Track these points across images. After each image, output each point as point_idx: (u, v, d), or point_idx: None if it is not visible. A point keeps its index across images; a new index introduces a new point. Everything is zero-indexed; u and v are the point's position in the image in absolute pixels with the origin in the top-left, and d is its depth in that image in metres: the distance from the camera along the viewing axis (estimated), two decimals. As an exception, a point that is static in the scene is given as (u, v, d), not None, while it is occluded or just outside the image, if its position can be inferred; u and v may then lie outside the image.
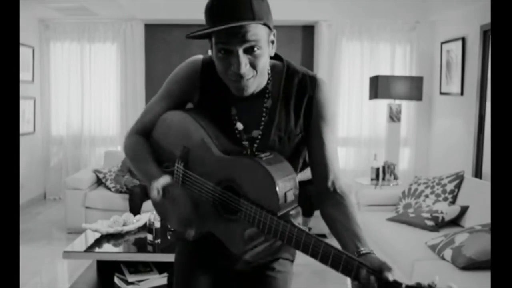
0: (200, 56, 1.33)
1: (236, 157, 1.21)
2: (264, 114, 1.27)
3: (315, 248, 1.06)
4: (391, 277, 1.07)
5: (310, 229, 4.18)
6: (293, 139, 1.28)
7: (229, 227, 1.21)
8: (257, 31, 1.14)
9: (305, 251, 1.08)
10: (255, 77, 1.19)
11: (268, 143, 1.26)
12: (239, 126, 1.28)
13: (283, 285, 1.38)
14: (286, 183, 1.15)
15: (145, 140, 1.37)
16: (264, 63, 1.20)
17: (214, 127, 1.27)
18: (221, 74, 1.20)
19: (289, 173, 1.19)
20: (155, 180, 1.21)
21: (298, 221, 1.16)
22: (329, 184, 1.29)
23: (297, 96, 1.27)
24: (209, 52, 1.25)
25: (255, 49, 1.15)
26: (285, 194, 1.14)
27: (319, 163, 1.29)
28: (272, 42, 1.23)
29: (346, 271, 1.07)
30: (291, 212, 1.16)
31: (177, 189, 1.23)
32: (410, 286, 1.05)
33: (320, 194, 1.31)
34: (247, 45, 1.14)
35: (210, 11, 1.15)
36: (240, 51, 1.14)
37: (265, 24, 1.17)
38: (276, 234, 1.10)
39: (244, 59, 1.15)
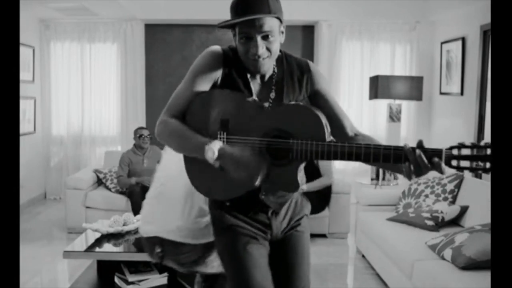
0: (218, 47, 1.60)
1: (278, 108, 1.51)
2: (274, 86, 1.58)
3: (367, 154, 1.39)
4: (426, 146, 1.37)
5: None
6: (302, 99, 1.62)
7: (282, 171, 1.46)
8: (271, 23, 1.46)
9: (358, 159, 1.41)
10: (270, 58, 1.51)
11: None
12: (255, 98, 1.56)
13: (307, 236, 1.72)
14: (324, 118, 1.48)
15: (182, 121, 1.57)
16: (277, 48, 1.52)
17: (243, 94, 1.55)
18: (243, 56, 1.51)
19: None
20: (208, 143, 1.44)
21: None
22: (349, 131, 1.64)
23: (298, 72, 1.61)
24: (233, 43, 1.55)
25: (269, 36, 1.47)
26: (325, 125, 1.47)
27: (333, 118, 1.60)
28: (282, 32, 1.55)
29: (396, 159, 1.38)
30: (332, 139, 1.50)
31: (230, 147, 1.46)
32: (450, 148, 1.34)
33: (348, 142, 1.55)
34: (264, 33, 1.46)
35: (235, 7, 1.47)
36: (259, 38, 1.46)
37: (278, 18, 1.48)
38: (330, 154, 1.42)
39: (261, 43, 1.46)
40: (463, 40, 4.85)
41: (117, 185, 4.63)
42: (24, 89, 5.37)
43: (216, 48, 1.59)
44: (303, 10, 5.48)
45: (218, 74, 1.57)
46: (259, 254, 1.58)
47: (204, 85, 1.56)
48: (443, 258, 2.70)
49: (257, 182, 1.43)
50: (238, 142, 1.50)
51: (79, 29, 5.83)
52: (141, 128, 4.75)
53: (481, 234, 2.64)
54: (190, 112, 1.57)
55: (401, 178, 5.17)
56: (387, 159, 1.38)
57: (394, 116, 5.04)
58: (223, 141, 1.50)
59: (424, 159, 1.34)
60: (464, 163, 1.33)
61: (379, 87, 4.81)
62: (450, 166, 1.34)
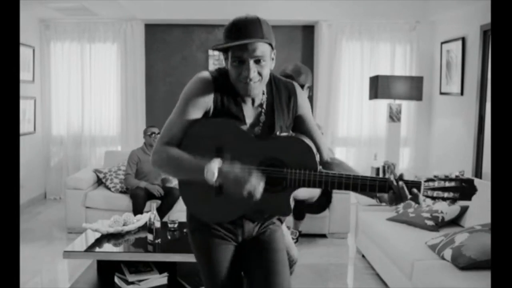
0: (208, 72, 1.63)
1: (273, 139, 1.60)
2: (264, 110, 1.65)
3: (355, 184, 1.53)
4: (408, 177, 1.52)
5: (300, 232, 4.21)
6: (289, 127, 1.70)
7: (276, 196, 1.57)
8: (263, 48, 1.52)
9: (347, 188, 1.53)
10: (260, 82, 1.56)
11: (274, 130, 1.64)
12: (250, 120, 1.63)
13: (281, 231, 1.82)
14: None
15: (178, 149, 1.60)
16: (267, 72, 1.57)
17: (237, 122, 1.61)
18: (234, 79, 1.55)
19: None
20: (207, 165, 1.47)
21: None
22: (325, 156, 1.76)
23: (286, 95, 1.68)
24: (224, 63, 1.59)
25: (261, 61, 1.52)
26: (316, 154, 1.58)
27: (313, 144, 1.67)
28: (272, 58, 1.60)
29: (382, 189, 1.52)
30: (322, 168, 1.61)
31: (229, 165, 1.48)
32: (429, 180, 1.50)
33: (323, 166, 1.71)
34: (256, 58, 1.51)
35: (229, 31, 1.52)
36: (251, 62, 1.51)
37: (270, 44, 1.54)
38: (321, 183, 1.55)
39: (253, 67, 1.51)
40: (463, 40, 4.85)
41: (117, 184, 4.63)
42: (24, 89, 5.37)
43: (206, 74, 1.62)
44: (303, 10, 5.48)
45: (210, 101, 1.59)
46: (227, 254, 1.71)
47: (197, 113, 1.59)
48: (443, 258, 2.70)
49: (259, 196, 1.47)
50: None
51: (79, 29, 5.83)
52: (151, 126, 4.73)
53: (481, 234, 2.64)
54: (185, 141, 1.60)
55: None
56: (372, 189, 1.53)
57: (394, 116, 5.04)
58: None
59: (406, 190, 1.49)
60: (438, 193, 1.52)
61: (379, 87, 4.81)
62: (427, 196, 1.53)
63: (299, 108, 1.70)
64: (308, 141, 1.60)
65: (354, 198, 4.43)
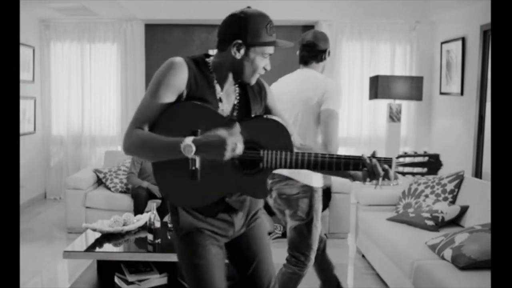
0: (181, 58, 1.62)
1: (248, 121, 1.61)
2: (239, 97, 1.71)
3: (330, 163, 1.58)
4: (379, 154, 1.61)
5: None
6: (262, 112, 1.78)
7: (253, 179, 1.59)
8: None
9: (323, 168, 1.59)
10: None
11: (250, 113, 1.71)
12: (224, 106, 1.66)
13: (265, 226, 1.88)
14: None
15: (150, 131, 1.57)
16: None
17: (212, 106, 1.61)
18: (252, 69, 1.63)
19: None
20: (182, 140, 1.43)
21: None
22: (296, 143, 1.76)
23: (256, 85, 1.76)
24: (236, 54, 1.60)
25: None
26: (292, 135, 1.63)
27: None
28: None
29: (356, 166, 1.59)
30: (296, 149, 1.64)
31: (202, 135, 1.45)
32: (399, 156, 1.62)
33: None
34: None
35: (267, 26, 1.61)
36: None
37: None
38: (297, 164, 1.58)
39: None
40: (463, 40, 4.85)
41: (117, 184, 4.63)
42: (24, 89, 5.37)
43: (179, 59, 1.61)
44: (303, 10, 5.48)
45: (183, 84, 1.58)
46: (218, 257, 1.70)
47: (170, 96, 1.56)
48: (443, 258, 2.70)
49: (240, 151, 1.45)
50: None
51: (79, 29, 5.83)
52: None
53: (481, 234, 2.64)
54: (159, 124, 1.56)
55: (401, 178, 5.15)
56: (347, 167, 1.59)
57: (394, 116, 5.04)
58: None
59: (378, 166, 1.56)
60: (408, 169, 1.63)
61: (379, 87, 4.81)
62: (398, 172, 1.63)
63: (268, 98, 1.79)
64: (283, 122, 1.61)
65: (354, 198, 4.43)
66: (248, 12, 1.60)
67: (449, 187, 3.53)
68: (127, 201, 4.46)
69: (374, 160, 1.57)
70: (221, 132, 1.41)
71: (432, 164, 1.61)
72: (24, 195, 5.42)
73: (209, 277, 1.65)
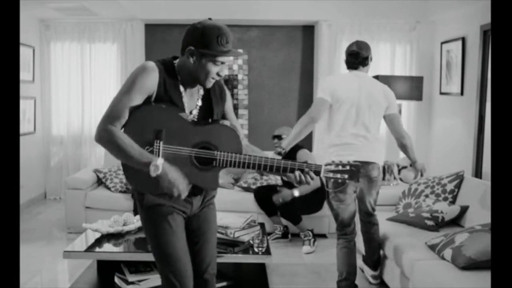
0: (153, 62, 1.84)
1: (206, 125, 1.90)
2: (201, 99, 1.98)
3: (271, 166, 1.89)
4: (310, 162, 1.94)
5: (311, 230, 4.26)
6: (221, 115, 2.06)
7: (206, 175, 1.90)
8: None
9: (265, 169, 1.89)
10: None
11: (212, 115, 1.99)
12: (190, 108, 1.94)
13: (215, 213, 2.17)
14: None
15: (120, 130, 1.80)
16: None
17: (177, 109, 1.88)
18: (205, 74, 1.84)
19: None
20: (152, 160, 1.74)
21: None
22: (243, 143, 2.01)
23: (218, 89, 2.03)
24: (190, 59, 1.83)
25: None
26: (242, 139, 1.94)
27: None
28: None
29: (291, 171, 1.90)
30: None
31: (168, 166, 1.78)
32: (327, 164, 1.92)
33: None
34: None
35: (220, 37, 1.79)
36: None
37: None
38: (244, 164, 1.88)
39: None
40: (463, 40, 4.85)
41: (117, 184, 4.63)
42: (24, 89, 5.37)
43: (151, 63, 1.82)
44: (303, 10, 5.48)
45: (154, 86, 1.81)
46: (179, 228, 1.97)
47: (140, 98, 1.80)
48: (443, 258, 2.70)
49: (184, 197, 1.84)
50: (173, 152, 1.84)
51: (79, 29, 5.83)
52: None
53: (481, 234, 2.64)
54: (129, 122, 1.81)
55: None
56: (285, 170, 1.90)
57: (394, 116, 5.04)
58: (159, 149, 1.80)
59: (303, 177, 1.89)
60: (333, 175, 1.91)
61: (379, 87, 4.80)
62: (326, 177, 1.91)
63: (226, 101, 2.07)
64: (234, 128, 1.93)
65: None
66: (205, 23, 1.81)
67: (449, 187, 3.53)
68: (127, 201, 4.46)
69: (297, 173, 1.89)
70: (179, 178, 1.80)
71: (353, 172, 1.89)
72: (24, 195, 5.42)
73: (172, 242, 1.93)
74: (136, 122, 1.81)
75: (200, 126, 1.87)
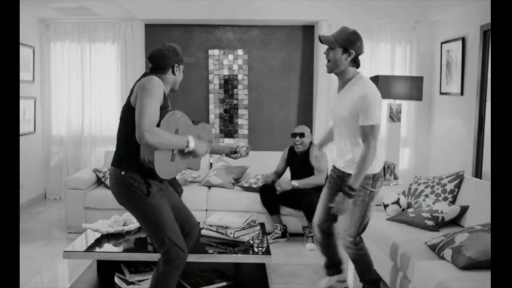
0: (158, 78, 2.41)
1: (197, 123, 2.62)
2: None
3: (226, 150, 2.78)
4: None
5: (284, 226, 4.43)
6: None
7: (188, 160, 2.56)
8: None
9: (216, 153, 2.78)
10: None
11: None
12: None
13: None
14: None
15: None
16: None
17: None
18: (178, 81, 2.58)
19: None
20: (188, 140, 2.41)
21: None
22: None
23: None
24: (176, 73, 2.56)
25: None
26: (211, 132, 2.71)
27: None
28: None
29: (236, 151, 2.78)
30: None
31: (198, 140, 2.50)
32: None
33: None
34: None
35: (179, 52, 2.56)
36: None
37: None
38: (213, 151, 2.72)
39: None
40: (463, 40, 4.85)
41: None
42: (24, 89, 5.37)
43: (158, 79, 2.39)
44: (303, 10, 5.49)
45: (162, 96, 2.37)
46: (167, 206, 2.51)
47: (159, 105, 2.34)
48: (443, 258, 2.70)
49: (207, 154, 2.63)
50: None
51: (79, 29, 5.83)
52: None
53: (481, 234, 2.64)
54: (162, 122, 2.33)
55: (401, 178, 5.16)
56: (234, 152, 2.80)
57: (394, 116, 5.05)
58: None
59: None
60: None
61: (379, 87, 4.74)
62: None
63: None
64: (208, 126, 2.72)
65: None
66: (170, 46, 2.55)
67: (449, 187, 3.53)
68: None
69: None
70: (205, 145, 2.55)
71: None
72: (24, 195, 5.43)
73: (169, 217, 2.47)
74: (164, 123, 2.34)
75: (196, 125, 2.59)
